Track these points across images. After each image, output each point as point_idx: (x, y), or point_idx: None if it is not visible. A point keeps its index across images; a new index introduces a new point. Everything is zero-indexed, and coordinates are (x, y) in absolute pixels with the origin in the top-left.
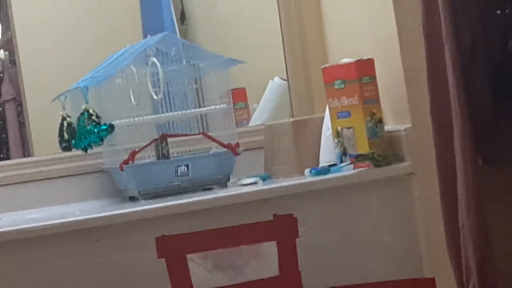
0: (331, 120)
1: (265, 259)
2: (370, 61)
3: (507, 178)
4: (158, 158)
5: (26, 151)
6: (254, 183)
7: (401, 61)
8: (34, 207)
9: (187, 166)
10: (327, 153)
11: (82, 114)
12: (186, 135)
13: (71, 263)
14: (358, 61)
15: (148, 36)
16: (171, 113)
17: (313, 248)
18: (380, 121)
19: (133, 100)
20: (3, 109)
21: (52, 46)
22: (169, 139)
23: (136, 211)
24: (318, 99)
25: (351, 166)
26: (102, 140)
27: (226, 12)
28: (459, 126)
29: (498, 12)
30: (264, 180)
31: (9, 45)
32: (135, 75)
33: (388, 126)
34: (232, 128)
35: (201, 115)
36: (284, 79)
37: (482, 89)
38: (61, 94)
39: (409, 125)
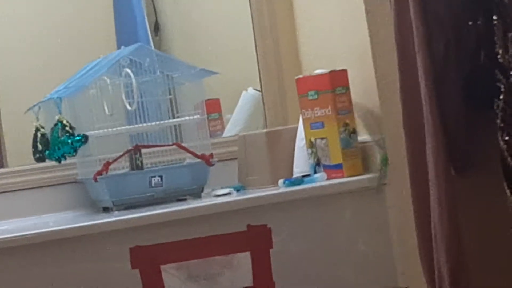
0: (305, 130)
1: (239, 269)
2: (344, 72)
3: (479, 187)
4: (132, 169)
5: None
6: (228, 193)
7: (374, 71)
8: (7, 218)
9: (161, 177)
10: (301, 163)
11: (56, 125)
12: (160, 145)
13: (45, 274)
14: (331, 71)
15: (122, 46)
16: (145, 124)
17: (287, 258)
18: (354, 131)
19: (107, 110)
20: None
21: (25, 57)
22: (143, 150)
23: (109, 222)
24: (291, 109)
25: (325, 176)
26: (75, 151)
27: (199, 23)
28: (431, 135)
29: (470, 23)
30: (238, 190)
31: None
32: (109, 85)
33: (361, 137)
34: (206, 139)
35: (175, 126)
36: (257, 90)
37: (454, 98)
38: (34, 105)
39: (383, 135)
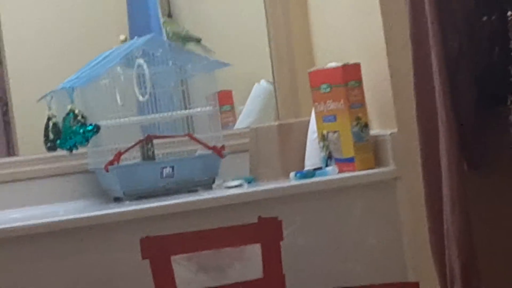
0: (317, 124)
1: (249, 261)
2: (357, 66)
3: (491, 183)
4: (143, 159)
5: (11, 150)
6: (239, 185)
7: (388, 65)
8: (19, 206)
9: (172, 167)
10: (312, 156)
11: (68, 114)
12: (172, 136)
13: (55, 263)
14: (344, 65)
15: (135, 37)
16: (156, 115)
17: (298, 251)
18: (366, 125)
19: (119, 101)
20: None
21: (38, 46)
22: (155, 141)
23: (120, 212)
24: (304, 102)
25: (337, 169)
26: (87, 140)
27: (212, 14)
28: (444, 131)
29: (485, 18)
30: (249, 182)
31: None
32: (121, 76)
33: (373, 131)
34: (218, 131)
35: (187, 117)
36: (270, 82)
37: (468, 94)
38: (47, 94)
39: (395, 129)
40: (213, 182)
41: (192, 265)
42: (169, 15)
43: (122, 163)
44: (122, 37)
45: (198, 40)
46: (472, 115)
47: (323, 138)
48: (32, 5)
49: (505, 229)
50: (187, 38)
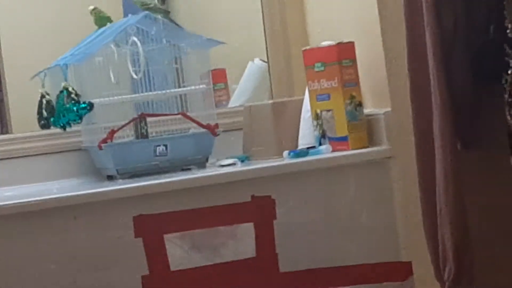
0: (311, 102)
1: (242, 240)
2: (351, 44)
3: (485, 162)
4: (137, 137)
5: (4, 128)
6: (233, 164)
7: (382, 44)
8: (12, 184)
9: (165, 146)
10: (306, 135)
11: (62, 92)
12: (165, 115)
13: (48, 241)
14: (338, 43)
15: (129, 15)
16: (150, 93)
17: (291, 230)
18: (360, 104)
19: (112, 79)
20: None
21: (31, 23)
22: (148, 119)
23: (114, 190)
24: (298, 81)
25: (330, 148)
26: (81, 118)
27: None
28: (438, 110)
29: None
30: (242, 161)
31: None
32: (115, 53)
33: (367, 110)
34: (212, 109)
35: (180, 95)
36: (264, 61)
37: (462, 73)
38: (40, 72)
39: (389, 108)
40: (207, 160)
41: (185, 244)
42: None
43: (115, 141)
44: (91, 7)
45: (167, 12)
46: (466, 93)
47: (316, 116)
48: None
49: (498, 208)
50: (155, 10)
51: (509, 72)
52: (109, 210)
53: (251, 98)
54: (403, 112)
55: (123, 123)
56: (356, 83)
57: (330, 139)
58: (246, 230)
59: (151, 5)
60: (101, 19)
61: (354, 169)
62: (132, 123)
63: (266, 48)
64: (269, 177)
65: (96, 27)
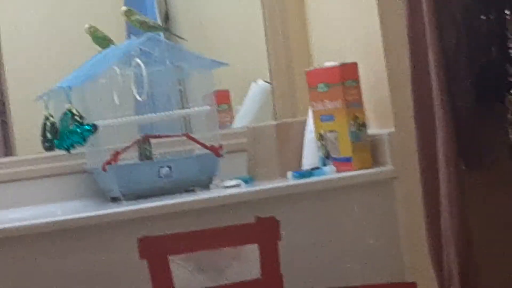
0: (314, 123)
1: (247, 261)
2: (354, 65)
3: (489, 182)
4: (141, 159)
5: (8, 150)
6: (237, 185)
7: (385, 64)
8: (16, 206)
9: (169, 167)
10: (310, 156)
11: (65, 114)
12: (169, 136)
13: (53, 263)
14: (342, 64)
15: (132, 37)
16: (154, 114)
17: (295, 251)
18: (363, 125)
19: (116, 100)
20: None
21: (35, 45)
22: (152, 140)
23: (118, 212)
24: (301, 102)
25: (334, 169)
26: (85, 140)
27: (209, 13)
28: (442, 130)
29: (483, 17)
30: (246, 182)
31: None
32: (119, 75)
33: (371, 130)
34: (215, 130)
35: (184, 117)
36: (267, 82)
37: (465, 93)
38: (44, 94)
39: (392, 129)
40: (211, 181)
41: (189, 265)
42: (166, 15)
43: (119, 163)
44: (86, 26)
45: (166, 29)
46: (469, 114)
47: (320, 137)
48: (29, 5)
49: (503, 228)
50: (154, 28)
51: None
52: (113, 232)
53: (254, 119)
54: (406, 133)
55: (127, 144)
56: (359, 103)
57: (334, 159)
58: (251, 251)
59: (150, 23)
60: (97, 38)
61: (358, 190)
62: (136, 145)
63: (270, 69)
64: (273, 198)
65: (99, 48)
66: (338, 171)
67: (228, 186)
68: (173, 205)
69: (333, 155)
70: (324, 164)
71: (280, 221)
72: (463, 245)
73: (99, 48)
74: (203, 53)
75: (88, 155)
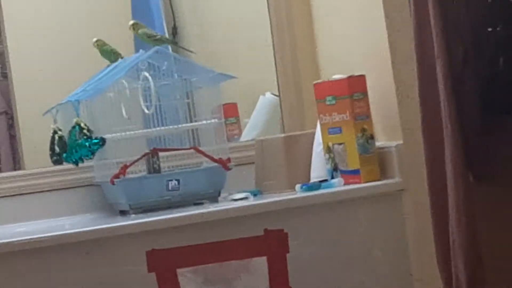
0: (322, 135)
1: (255, 274)
2: (362, 77)
3: (497, 194)
4: (149, 172)
5: (17, 164)
6: (245, 198)
7: (393, 77)
8: (25, 220)
9: (178, 180)
10: (318, 168)
11: (74, 127)
12: (177, 149)
13: (61, 277)
14: (349, 77)
15: (140, 50)
16: (162, 128)
17: (304, 263)
18: (371, 137)
19: (124, 114)
20: None
21: (44, 60)
22: (160, 154)
23: (126, 225)
24: (309, 114)
25: (342, 181)
26: (93, 153)
27: (217, 27)
28: (450, 142)
29: (490, 29)
30: (255, 195)
31: (1, 58)
32: (127, 89)
33: (379, 142)
34: (224, 143)
35: (192, 130)
36: (275, 95)
37: (473, 105)
38: (52, 108)
39: (400, 141)
40: (219, 194)
41: (198, 278)
42: (174, 28)
43: (128, 176)
44: (94, 39)
45: (174, 43)
46: (477, 126)
47: (328, 150)
48: (37, 20)
49: None
50: (162, 41)
51: None
52: (122, 245)
53: (262, 132)
54: (414, 145)
55: (135, 158)
56: (367, 116)
57: (342, 172)
58: (259, 264)
59: (158, 37)
60: (105, 52)
61: (366, 202)
62: (144, 158)
63: (277, 82)
64: (282, 210)
65: (107, 62)
66: (346, 183)
67: (236, 199)
68: (181, 218)
69: (341, 168)
70: (332, 177)
71: (288, 233)
72: (471, 257)
73: (107, 62)
74: (211, 66)
75: (96, 168)
